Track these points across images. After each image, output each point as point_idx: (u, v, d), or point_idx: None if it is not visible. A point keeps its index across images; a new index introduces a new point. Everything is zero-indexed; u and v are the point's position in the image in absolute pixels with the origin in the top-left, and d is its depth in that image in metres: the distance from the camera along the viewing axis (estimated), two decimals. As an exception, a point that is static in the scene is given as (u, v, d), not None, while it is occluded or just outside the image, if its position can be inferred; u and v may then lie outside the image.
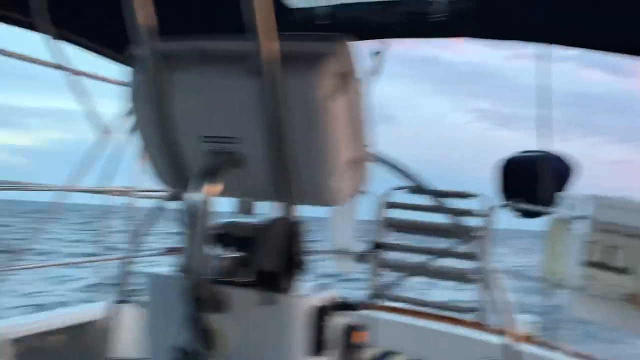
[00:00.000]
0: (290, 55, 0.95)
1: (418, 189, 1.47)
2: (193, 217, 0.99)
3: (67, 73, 2.42)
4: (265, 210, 1.30)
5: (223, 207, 1.24)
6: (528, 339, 2.59)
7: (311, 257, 1.19)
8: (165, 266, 1.23)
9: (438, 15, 2.09)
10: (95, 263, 3.24)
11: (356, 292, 3.53)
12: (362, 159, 1.08)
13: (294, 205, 1.08)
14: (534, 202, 3.27)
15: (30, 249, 2.52)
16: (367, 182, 1.13)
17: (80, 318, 2.18)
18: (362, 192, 1.14)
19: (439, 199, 1.47)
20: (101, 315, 2.22)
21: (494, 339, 2.35)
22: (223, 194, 1.04)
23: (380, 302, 3.20)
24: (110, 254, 3.24)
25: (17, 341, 1.93)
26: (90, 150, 2.72)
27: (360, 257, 3.76)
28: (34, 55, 2.51)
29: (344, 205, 1.11)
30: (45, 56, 2.42)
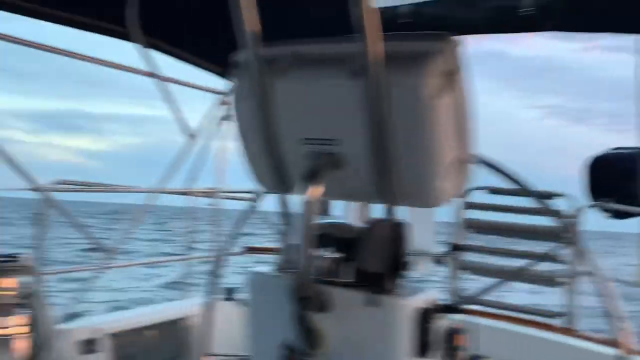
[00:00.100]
0: (394, 55, 0.95)
1: (521, 191, 1.43)
2: (299, 218, 1.02)
3: (157, 80, 2.53)
4: (340, 211, 1.30)
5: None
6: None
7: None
8: (265, 265, 1.26)
9: (526, 9, 2.02)
10: (179, 261, 3.36)
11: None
12: (466, 159, 1.06)
13: (395, 207, 1.08)
14: (628, 202, 3.08)
15: (122, 248, 2.66)
16: (469, 183, 1.11)
17: (174, 314, 2.28)
18: (463, 194, 1.12)
19: (542, 200, 1.42)
20: (194, 312, 2.31)
21: (601, 349, 2.21)
22: (323, 195, 1.06)
23: (464, 305, 3.11)
24: (189, 254, 3.36)
25: (116, 336, 2.04)
26: (178, 154, 2.83)
27: (439, 259, 3.68)
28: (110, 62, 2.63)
29: (445, 206, 1.10)
30: (132, 64, 2.57)
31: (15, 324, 1.76)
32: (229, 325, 1.92)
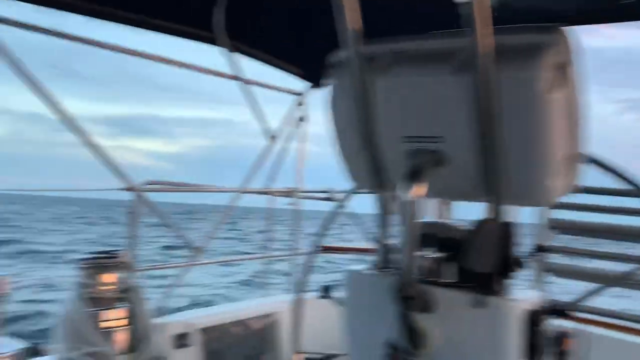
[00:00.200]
0: (505, 48, 0.91)
1: (632, 191, 1.34)
2: (402, 218, 1.00)
3: (241, 83, 2.60)
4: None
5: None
6: None
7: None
8: (361, 264, 1.26)
9: None
10: (260, 259, 3.43)
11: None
12: (577, 156, 1.01)
13: (501, 205, 1.04)
14: None
15: (207, 247, 2.75)
16: (578, 182, 1.06)
17: (261, 311, 2.33)
18: (571, 193, 1.07)
19: None
20: (280, 309, 2.35)
21: None
22: (426, 194, 1.04)
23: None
24: (267, 252, 3.42)
25: (206, 331, 2.11)
26: (258, 155, 2.90)
27: (522, 261, 3.54)
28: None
29: (553, 206, 1.05)
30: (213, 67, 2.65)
31: (116, 317, 1.86)
32: (319, 322, 1.94)
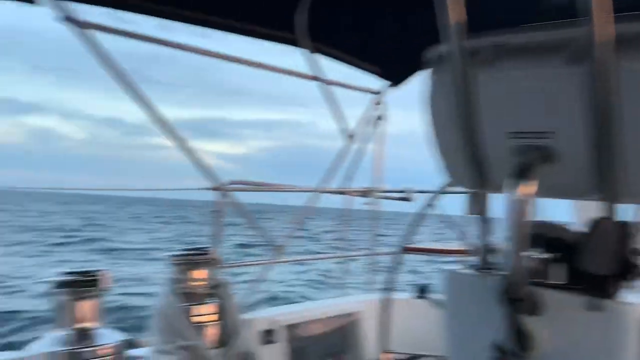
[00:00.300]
0: (625, 37, 0.86)
1: None
2: (509, 218, 0.97)
3: (322, 84, 2.62)
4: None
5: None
6: None
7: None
8: (459, 264, 1.23)
9: None
10: (343, 259, 3.43)
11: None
12: None
13: (616, 204, 0.98)
14: None
15: (288, 246, 2.79)
16: None
17: (345, 309, 2.33)
18: None
19: None
20: (363, 308, 2.35)
21: None
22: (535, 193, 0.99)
23: None
24: (344, 252, 3.42)
25: (291, 328, 2.14)
26: (337, 155, 2.90)
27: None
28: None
29: None
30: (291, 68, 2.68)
31: (207, 312, 1.92)
32: (403, 322, 1.92)
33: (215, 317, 1.92)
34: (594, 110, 0.89)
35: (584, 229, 1.02)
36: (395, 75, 2.93)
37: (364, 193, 3.27)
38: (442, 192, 1.68)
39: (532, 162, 0.98)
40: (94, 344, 1.62)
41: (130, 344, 1.76)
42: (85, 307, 1.65)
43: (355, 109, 3.10)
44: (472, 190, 1.20)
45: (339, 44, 2.56)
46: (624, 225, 0.97)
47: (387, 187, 3.31)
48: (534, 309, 0.99)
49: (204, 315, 1.91)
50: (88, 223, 36.36)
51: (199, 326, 1.89)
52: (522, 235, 0.96)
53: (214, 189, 2.55)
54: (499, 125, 1.04)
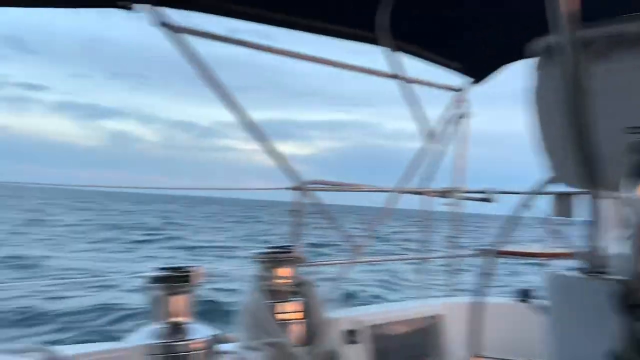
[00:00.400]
0: None
1: None
2: (632, 219, 0.90)
3: (402, 82, 2.58)
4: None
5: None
6: None
7: None
8: (562, 267, 1.17)
9: None
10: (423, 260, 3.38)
11: None
12: None
13: None
14: None
15: (367, 246, 2.77)
16: None
17: (428, 311, 2.29)
18: None
19: None
20: (446, 311, 2.29)
21: None
22: None
23: None
24: (424, 253, 3.36)
25: (374, 328, 2.12)
26: (416, 154, 2.85)
27: None
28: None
29: None
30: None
31: (292, 310, 1.94)
32: (489, 325, 1.85)
33: (299, 315, 1.94)
34: None
35: None
36: (478, 71, 2.85)
37: (444, 193, 3.20)
38: (539, 192, 1.61)
39: None
40: (186, 338, 1.67)
41: (220, 339, 1.80)
42: (178, 302, 1.71)
43: (432, 107, 3.04)
44: (582, 189, 1.13)
45: (421, 41, 2.52)
46: None
47: (468, 188, 3.22)
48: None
49: (289, 312, 1.93)
50: (166, 221, 38.08)
51: (284, 324, 1.91)
52: None
53: (294, 188, 2.58)
54: (614, 120, 0.98)
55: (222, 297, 8.21)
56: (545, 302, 1.16)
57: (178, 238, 24.98)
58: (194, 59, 1.82)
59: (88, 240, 21.93)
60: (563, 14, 0.96)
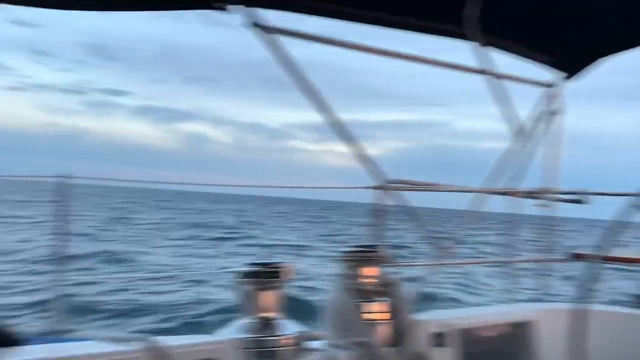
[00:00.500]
0: None
1: None
2: None
3: (490, 77, 2.49)
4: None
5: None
6: None
7: None
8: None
9: None
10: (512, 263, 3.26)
11: None
12: None
13: None
14: None
15: (455, 248, 2.70)
16: None
17: (521, 316, 2.19)
18: None
19: None
20: (538, 317, 2.19)
21: None
22: None
23: None
24: (512, 257, 3.22)
25: (463, 332, 2.05)
26: (504, 152, 2.75)
27: None
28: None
29: None
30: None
31: (378, 310, 1.92)
32: (598, 335, 1.74)
33: (386, 315, 1.91)
34: None
35: None
36: (572, 65, 2.70)
37: (534, 194, 3.06)
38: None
39: None
40: (277, 334, 1.70)
41: (308, 336, 1.81)
42: (269, 297, 1.74)
43: (521, 105, 2.91)
44: None
45: (511, 34, 2.42)
46: None
47: (560, 189, 3.06)
48: None
49: (375, 313, 1.91)
50: (242, 220, 39.20)
51: (371, 324, 1.89)
52: None
53: (376, 187, 2.56)
54: None
55: (302, 294, 8.35)
56: None
57: (254, 237, 25.65)
58: (284, 59, 1.84)
59: (172, 237, 23.00)
60: None
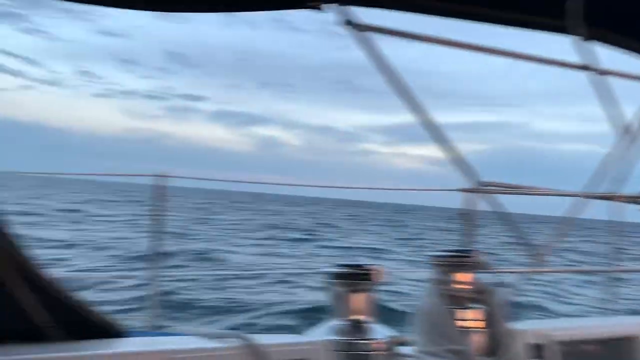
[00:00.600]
0: None
1: None
2: None
3: (593, 74, 2.33)
4: None
5: None
6: None
7: None
8: None
9: None
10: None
11: None
12: None
13: None
14: None
15: (549, 254, 2.55)
16: None
17: (623, 331, 2.03)
18: None
19: None
20: None
21: None
22: None
23: None
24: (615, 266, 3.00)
25: (563, 345, 1.93)
26: (607, 154, 2.56)
27: None
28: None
29: None
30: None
31: (472, 318, 1.84)
32: None
33: (481, 323, 1.83)
34: None
35: None
36: None
37: (638, 200, 2.83)
38: None
39: None
40: (368, 337, 1.67)
41: (399, 341, 1.77)
42: (360, 299, 1.72)
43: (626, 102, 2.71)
44: None
45: (618, 27, 2.25)
46: None
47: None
48: None
49: (469, 320, 1.83)
50: (316, 222, 39.60)
51: (464, 331, 1.82)
52: None
53: (466, 190, 2.47)
54: None
55: (386, 299, 8.29)
56: None
57: (331, 239, 25.84)
58: (378, 58, 1.81)
59: (253, 237, 23.65)
60: None
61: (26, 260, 1.43)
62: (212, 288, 10.06)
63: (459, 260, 1.89)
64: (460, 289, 1.86)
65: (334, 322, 1.72)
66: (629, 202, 2.88)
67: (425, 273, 1.97)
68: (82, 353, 1.36)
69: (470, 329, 1.82)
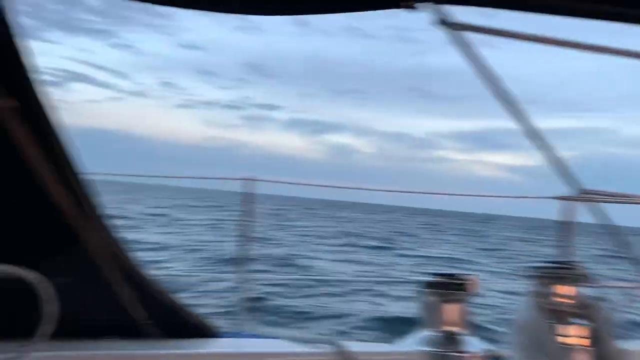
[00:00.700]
0: None
1: None
2: None
3: None
4: None
5: None
6: None
7: None
8: None
9: None
10: None
11: None
12: None
13: None
14: None
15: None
16: None
17: None
18: None
19: None
20: None
21: None
22: None
23: None
24: None
25: None
26: None
27: None
28: None
29: None
30: None
31: (576, 334, 1.71)
32: None
33: (585, 341, 1.70)
34: None
35: None
36: None
37: None
38: None
39: None
40: (462, 349, 1.60)
41: (495, 355, 1.69)
42: (453, 310, 1.66)
43: None
44: None
45: None
46: None
47: None
48: None
49: (572, 337, 1.71)
50: (393, 231, 39.18)
51: (566, 348, 1.70)
52: None
53: (563, 198, 2.33)
54: None
55: (476, 311, 8.03)
56: None
57: (410, 248, 25.46)
58: (475, 58, 1.74)
59: (332, 244, 23.78)
60: None
61: (128, 261, 1.49)
62: (298, 295, 10.12)
63: (561, 272, 1.78)
64: (562, 303, 1.75)
65: (426, 333, 1.67)
66: None
67: (517, 285, 1.87)
68: (178, 351, 1.40)
69: (573, 346, 1.70)
